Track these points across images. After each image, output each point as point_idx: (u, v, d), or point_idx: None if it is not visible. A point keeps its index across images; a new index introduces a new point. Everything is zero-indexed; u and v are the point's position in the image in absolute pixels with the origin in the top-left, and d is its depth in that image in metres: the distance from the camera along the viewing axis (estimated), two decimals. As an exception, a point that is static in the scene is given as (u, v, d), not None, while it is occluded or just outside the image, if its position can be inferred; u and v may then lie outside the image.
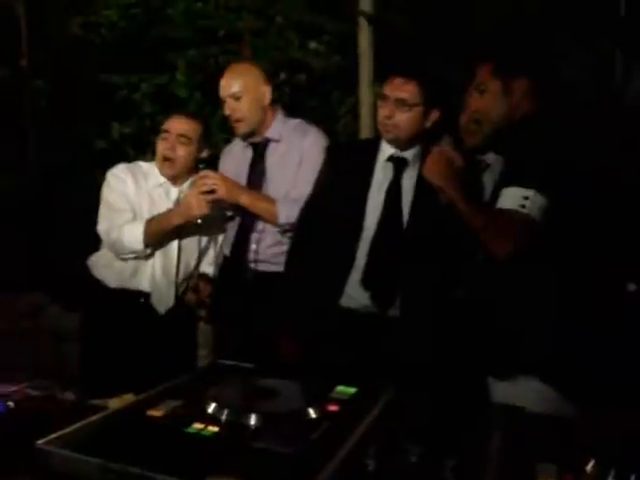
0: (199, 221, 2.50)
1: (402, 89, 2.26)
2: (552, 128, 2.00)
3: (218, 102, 2.72)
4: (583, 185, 1.90)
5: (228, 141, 3.40)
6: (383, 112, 2.30)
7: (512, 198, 1.87)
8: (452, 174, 2.05)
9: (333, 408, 1.39)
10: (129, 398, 1.79)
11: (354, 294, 2.31)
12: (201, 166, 2.54)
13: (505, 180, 1.93)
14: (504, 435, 1.28)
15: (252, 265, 2.61)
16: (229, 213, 2.72)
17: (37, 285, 4.61)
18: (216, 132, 4.13)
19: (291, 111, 2.80)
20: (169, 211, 2.56)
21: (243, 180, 2.65)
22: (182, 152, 2.61)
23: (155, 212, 2.60)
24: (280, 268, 2.50)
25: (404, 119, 2.27)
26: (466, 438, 1.29)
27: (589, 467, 1.19)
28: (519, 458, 1.22)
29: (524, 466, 1.18)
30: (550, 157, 1.89)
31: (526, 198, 1.84)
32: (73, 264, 4.28)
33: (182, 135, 2.61)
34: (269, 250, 2.58)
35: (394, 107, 2.27)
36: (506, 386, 1.94)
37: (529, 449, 1.26)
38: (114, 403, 1.76)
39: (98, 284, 2.71)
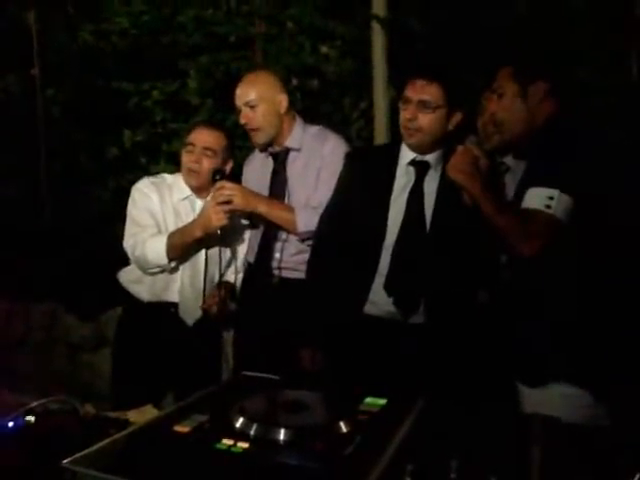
0: (219, 232, 2.47)
1: (425, 91, 2.22)
2: (576, 129, 1.97)
3: (230, 109, 2.69)
4: (607, 185, 1.87)
5: (242, 148, 3.38)
6: (406, 115, 2.25)
7: (537, 198, 1.84)
8: (476, 172, 2.02)
9: (364, 421, 1.35)
10: (148, 410, 1.76)
11: (377, 300, 2.27)
12: (217, 177, 2.51)
13: (529, 180, 1.91)
14: (544, 448, 1.24)
15: (276, 272, 2.58)
16: (251, 222, 2.69)
17: (51, 294, 4.60)
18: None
19: (303, 117, 2.77)
20: (190, 224, 2.54)
21: (265, 190, 2.63)
22: (207, 164, 2.59)
23: (181, 226, 2.59)
24: (304, 275, 2.47)
25: (427, 121, 2.23)
26: (505, 452, 1.24)
27: (635, 481, 1.14)
28: (562, 472, 1.18)
29: (568, 482, 1.14)
30: (574, 157, 1.86)
31: (551, 198, 1.81)
32: (88, 272, 4.28)
33: (207, 148, 2.60)
34: (292, 258, 2.55)
35: (417, 109, 2.23)
36: (537, 393, 1.90)
37: (571, 463, 1.21)
38: (133, 415, 1.72)
39: (127, 295, 2.70)
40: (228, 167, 2.64)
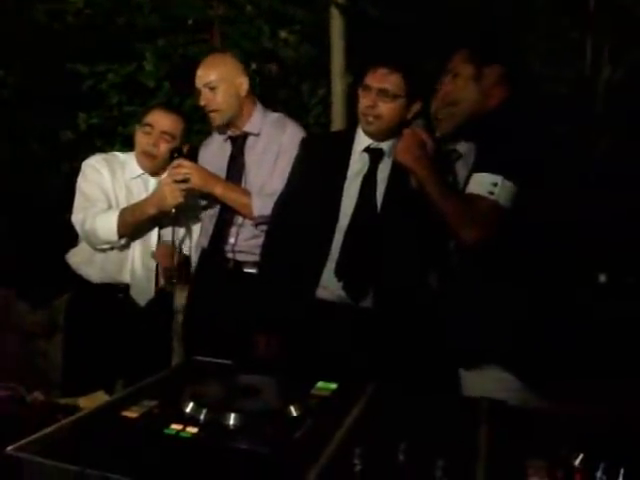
0: (173, 211, 2.44)
1: (386, 80, 2.23)
2: (523, 117, 2.00)
3: (187, 92, 2.65)
4: (551, 174, 1.92)
5: (200, 132, 3.35)
6: (365, 102, 2.26)
7: (481, 184, 1.87)
8: (424, 155, 2.04)
9: (315, 405, 1.36)
10: (99, 396, 1.74)
11: (328, 284, 2.28)
12: (175, 155, 2.48)
13: (475, 166, 1.93)
14: (491, 431, 1.26)
15: (230, 255, 2.56)
16: (206, 204, 2.67)
17: (3, 280, 4.50)
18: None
19: (262, 102, 2.75)
20: (143, 201, 2.49)
21: (222, 175, 2.60)
22: (164, 148, 2.55)
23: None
24: (258, 258, 2.46)
25: (386, 110, 2.24)
26: (452, 434, 1.26)
27: (578, 461, 1.16)
28: (508, 455, 1.20)
29: (514, 463, 1.16)
30: (520, 145, 1.89)
31: (495, 184, 1.84)
32: (41, 258, 4.19)
33: (165, 132, 2.55)
34: (246, 243, 2.54)
35: (377, 97, 2.23)
36: (472, 376, 1.94)
37: (516, 445, 1.24)
38: (84, 402, 1.70)
39: (77, 278, 2.63)
40: (185, 148, 2.61)
